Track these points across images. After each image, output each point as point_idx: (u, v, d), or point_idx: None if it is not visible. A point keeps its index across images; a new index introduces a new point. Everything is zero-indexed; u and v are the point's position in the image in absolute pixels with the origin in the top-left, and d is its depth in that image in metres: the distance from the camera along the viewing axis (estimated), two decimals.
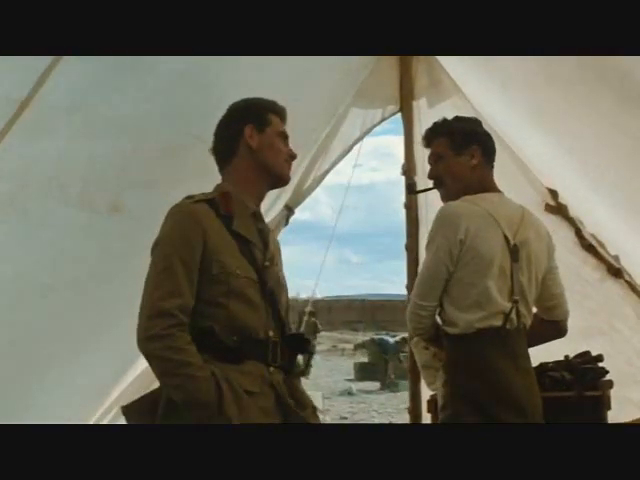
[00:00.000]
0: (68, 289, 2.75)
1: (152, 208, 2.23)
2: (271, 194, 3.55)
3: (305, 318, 6.57)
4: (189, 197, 2.03)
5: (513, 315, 2.35)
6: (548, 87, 3.04)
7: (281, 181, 2.17)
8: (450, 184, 2.50)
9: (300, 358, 2.20)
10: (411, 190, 2.68)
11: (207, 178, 2.18)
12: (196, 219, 1.96)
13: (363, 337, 21.03)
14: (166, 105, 2.63)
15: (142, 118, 2.59)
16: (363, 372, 14.71)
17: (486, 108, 3.52)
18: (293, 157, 2.18)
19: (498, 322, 2.33)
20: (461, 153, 2.50)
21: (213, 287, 1.93)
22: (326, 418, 8.01)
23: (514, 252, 2.36)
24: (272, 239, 2.17)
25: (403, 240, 3.62)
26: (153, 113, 2.62)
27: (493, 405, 2.29)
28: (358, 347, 18.71)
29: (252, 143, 2.10)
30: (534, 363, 3.09)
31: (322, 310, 21.84)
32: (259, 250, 2.06)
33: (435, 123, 2.60)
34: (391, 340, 14.99)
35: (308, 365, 2.22)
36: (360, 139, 3.71)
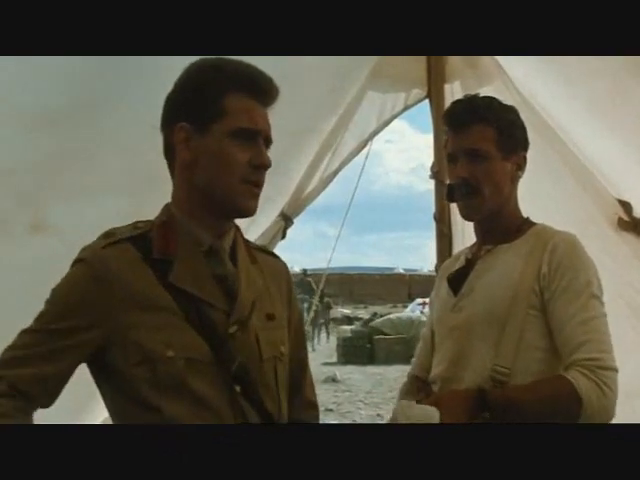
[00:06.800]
0: None
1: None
2: (262, 199, 2.85)
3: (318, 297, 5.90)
4: (108, 234, 1.38)
5: None
6: (619, 73, 2.32)
7: (236, 213, 1.41)
8: (489, 195, 1.77)
9: None
10: (452, 197, 1.85)
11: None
12: (99, 276, 1.32)
13: (341, 310, 20.92)
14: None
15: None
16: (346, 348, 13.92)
17: (538, 98, 2.79)
18: (263, 166, 1.37)
19: None
20: (508, 158, 1.79)
21: (136, 382, 1.32)
22: None
23: None
24: (252, 281, 1.45)
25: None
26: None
27: None
28: (336, 321, 18.37)
29: (183, 154, 1.37)
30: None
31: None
32: (218, 310, 1.37)
33: (473, 101, 1.83)
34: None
35: None
36: (377, 132, 2.94)
